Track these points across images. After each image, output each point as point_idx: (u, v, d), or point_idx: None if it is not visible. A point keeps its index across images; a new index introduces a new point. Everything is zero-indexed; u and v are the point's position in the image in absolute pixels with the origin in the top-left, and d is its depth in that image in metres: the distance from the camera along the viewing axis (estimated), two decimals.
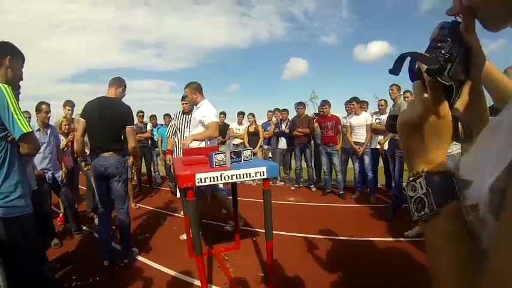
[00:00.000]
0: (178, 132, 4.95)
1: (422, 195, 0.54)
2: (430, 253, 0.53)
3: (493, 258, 0.39)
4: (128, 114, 3.77)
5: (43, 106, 4.25)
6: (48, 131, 4.28)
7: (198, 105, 4.26)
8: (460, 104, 0.55)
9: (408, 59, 0.56)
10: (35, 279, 2.19)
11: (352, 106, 6.41)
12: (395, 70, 0.58)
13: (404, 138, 0.58)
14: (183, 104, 4.90)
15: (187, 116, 4.86)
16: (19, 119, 1.98)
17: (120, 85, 3.78)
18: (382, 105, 6.52)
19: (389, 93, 5.61)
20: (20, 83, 2.58)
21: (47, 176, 4.18)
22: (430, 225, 0.53)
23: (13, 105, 1.97)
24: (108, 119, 3.58)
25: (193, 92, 4.22)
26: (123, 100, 3.83)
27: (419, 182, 0.55)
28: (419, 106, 0.54)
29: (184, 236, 4.33)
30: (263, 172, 2.64)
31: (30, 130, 2.04)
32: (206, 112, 4.11)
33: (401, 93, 5.59)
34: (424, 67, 0.52)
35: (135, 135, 3.63)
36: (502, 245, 0.38)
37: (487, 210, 0.45)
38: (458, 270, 0.47)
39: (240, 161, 2.83)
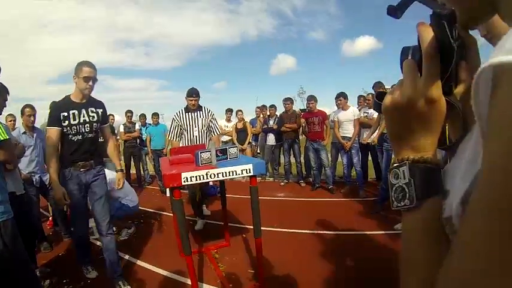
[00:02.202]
0: (185, 132, 4.73)
1: (403, 185, 0.50)
2: (403, 246, 0.50)
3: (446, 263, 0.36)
4: None
5: (26, 109, 4.23)
6: (35, 134, 4.25)
7: None
8: (461, 89, 0.50)
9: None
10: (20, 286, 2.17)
11: (339, 101, 6.43)
12: (396, 12, 0.53)
13: (389, 121, 0.53)
14: (191, 100, 4.68)
15: (192, 114, 4.71)
16: None
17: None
18: (369, 100, 6.56)
19: (374, 91, 5.66)
20: (7, 86, 2.60)
21: (34, 180, 4.16)
22: (407, 218, 0.50)
23: None
24: None
25: None
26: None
27: (403, 171, 0.51)
28: (409, 87, 0.48)
29: None
30: (249, 169, 2.64)
31: (6, 137, 2.03)
32: None
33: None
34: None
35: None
36: (451, 268, 0.35)
37: (458, 223, 0.41)
38: (423, 271, 0.45)
39: (226, 158, 2.83)
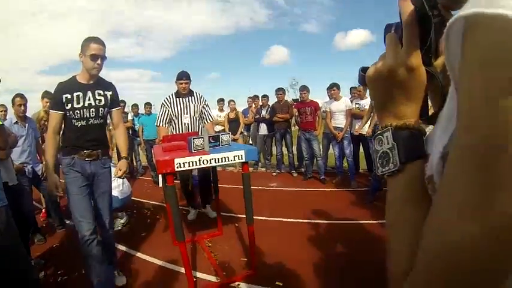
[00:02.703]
0: (175, 119, 4.42)
1: (387, 150, 0.52)
2: (387, 210, 0.52)
3: (425, 229, 0.38)
4: None
5: (16, 99, 4.16)
6: (26, 124, 4.22)
7: None
8: (440, 61, 0.51)
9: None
10: (15, 275, 2.18)
11: (332, 92, 6.46)
12: None
13: (373, 91, 0.56)
14: (181, 84, 4.37)
15: (184, 99, 4.40)
16: None
17: None
18: (360, 91, 6.60)
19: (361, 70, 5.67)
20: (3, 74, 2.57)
21: (27, 170, 4.12)
22: (392, 182, 0.52)
23: None
24: None
25: None
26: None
27: (386, 136, 0.53)
28: (390, 56, 0.51)
29: None
30: (241, 156, 2.67)
31: (0, 123, 2.03)
32: None
33: None
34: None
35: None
36: (434, 212, 0.37)
37: (439, 178, 0.42)
38: (407, 230, 0.46)
39: (219, 145, 2.85)
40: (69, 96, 2.68)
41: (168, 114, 4.43)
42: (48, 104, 5.09)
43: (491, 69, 0.29)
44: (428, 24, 0.47)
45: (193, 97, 4.45)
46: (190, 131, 4.32)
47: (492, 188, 0.29)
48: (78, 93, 2.71)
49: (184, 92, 4.39)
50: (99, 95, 2.81)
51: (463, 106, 0.33)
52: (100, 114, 2.85)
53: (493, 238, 0.29)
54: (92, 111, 2.78)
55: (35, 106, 5.37)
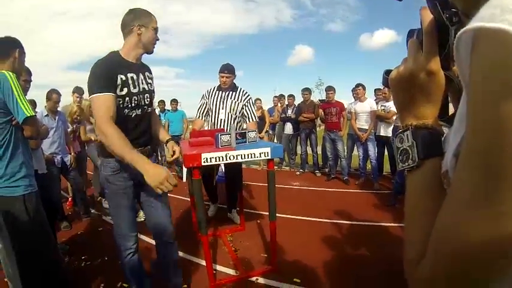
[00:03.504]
0: (210, 112, 4.18)
1: (407, 147, 0.57)
2: (406, 202, 0.56)
3: (438, 214, 0.42)
4: None
5: (53, 95, 4.30)
6: (57, 117, 4.34)
7: None
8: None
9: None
10: (41, 258, 2.27)
11: (358, 90, 6.43)
12: None
13: (396, 93, 0.61)
14: (222, 77, 4.05)
15: (223, 93, 4.11)
16: (23, 104, 2.07)
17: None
18: (385, 93, 6.54)
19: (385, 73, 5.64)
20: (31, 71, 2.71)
21: (56, 160, 4.24)
22: (411, 177, 0.57)
23: (17, 91, 2.05)
24: None
25: None
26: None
27: (407, 135, 0.57)
28: (412, 61, 0.55)
29: None
30: (267, 153, 2.70)
31: (33, 114, 2.12)
32: None
33: None
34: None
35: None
36: (445, 204, 0.41)
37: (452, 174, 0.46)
38: (423, 220, 0.50)
39: (245, 142, 2.88)
40: (123, 77, 2.05)
41: (205, 106, 4.23)
42: (78, 99, 5.23)
43: (491, 75, 0.33)
44: (447, 31, 0.51)
45: (234, 93, 4.12)
46: (223, 127, 4.08)
47: (495, 185, 0.33)
48: (131, 74, 2.11)
49: (225, 86, 4.09)
50: (148, 77, 2.28)
51: (470, 109, 0.37)
52: (152, 101, 2.36)
53: (495, 232, 0.33)
54: (147, 97, 2.25)
55: (63, 101, 5.47)
